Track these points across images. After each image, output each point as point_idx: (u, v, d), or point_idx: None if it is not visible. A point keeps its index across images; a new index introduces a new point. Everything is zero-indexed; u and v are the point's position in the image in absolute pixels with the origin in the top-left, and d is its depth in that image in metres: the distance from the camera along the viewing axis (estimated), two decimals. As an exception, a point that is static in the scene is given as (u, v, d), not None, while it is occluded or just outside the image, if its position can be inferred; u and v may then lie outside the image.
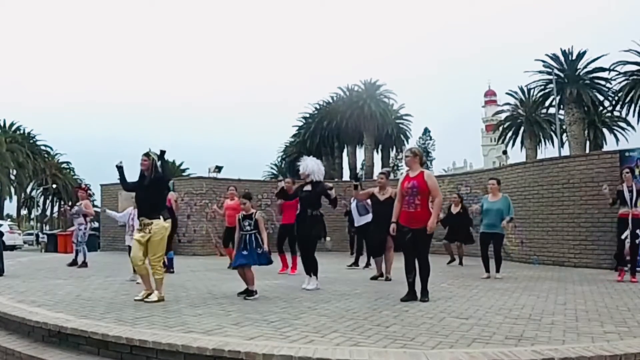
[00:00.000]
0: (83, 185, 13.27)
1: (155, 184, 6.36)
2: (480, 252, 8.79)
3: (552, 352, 3.64)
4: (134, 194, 6.83)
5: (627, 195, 7.99)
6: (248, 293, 6.44)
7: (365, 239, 10.38)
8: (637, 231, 8.06)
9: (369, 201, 9.08)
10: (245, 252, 6.44)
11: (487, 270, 8.67)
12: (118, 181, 6.72)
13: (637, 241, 8.04)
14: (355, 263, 10.68)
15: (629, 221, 7.94)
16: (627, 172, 8.14)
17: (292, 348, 3.78)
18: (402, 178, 6.33)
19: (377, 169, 41.11)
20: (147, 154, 6.39)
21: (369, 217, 10.04)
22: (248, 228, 6.49)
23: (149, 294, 6.23)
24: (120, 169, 6.55)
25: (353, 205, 10.51)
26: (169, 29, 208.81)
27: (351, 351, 3.72)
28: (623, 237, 8.08)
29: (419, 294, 6.15)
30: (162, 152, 6.45)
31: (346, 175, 43.44)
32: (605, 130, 38.30)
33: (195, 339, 4.06)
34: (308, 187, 7.37)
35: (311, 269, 7.24)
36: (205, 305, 5.85)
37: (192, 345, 3.90)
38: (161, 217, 6.25)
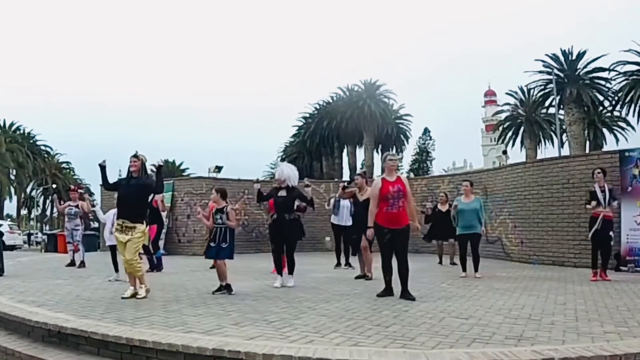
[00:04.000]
0: (73, 187, 13.24)
1: (143, 188, 6.38)
2: (459, 252, 9.02)
3: (552, 352, 3.64)
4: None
5: (600, 195, 8.18)
6: (227, 289, 6.63)
7: (346, 239, 10.51)
8: (610, 233, 8.30)
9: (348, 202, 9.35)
10: (212, 244, 6.72)
11: (465, 270, 8.84)
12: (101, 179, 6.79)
13: (611, 243, 8.41)
14: (338, 263, 10.77)
15: (598, 220, 8.12)
16: (599, 173, 8.37)
17: (292, 348, 3.79)
18: (381, 184, 6.39)
19: (377, 169, 41.13)
20: (136, 156, 6.42)
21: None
22: (220, 221, 6.71)
23: (136, 294, 6.36)
24: (102, 168, 6.65)
25: (345, 202, 10.50)
26: (169, 31, 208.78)
27: (351, 351, 3.72)
28: (589, 237, 8.32)
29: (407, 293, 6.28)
30: (159, 167, 6.52)
31: (346, 175, 43.43)
32: (605, 130, 38.28)
33: (195, 339, 4.07)
34: (283, 193, 7.55)
35: (290, 268, 7.52)
36: (205, 305, 5.85)
37: (192, 345, 3.90)
38: (144, 222, 6.35)
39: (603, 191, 8.19)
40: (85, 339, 4.48)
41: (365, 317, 5.03)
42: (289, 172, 7.67)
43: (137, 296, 6.15)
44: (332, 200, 11.14)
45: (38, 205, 60.01)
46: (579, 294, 6.66)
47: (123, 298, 6.26)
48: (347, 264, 10.46)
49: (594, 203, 8.25)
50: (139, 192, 6.35)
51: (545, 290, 7.01)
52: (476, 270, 8.75)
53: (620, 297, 6.45)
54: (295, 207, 7.68)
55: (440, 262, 11.35)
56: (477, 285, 7.63)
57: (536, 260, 11.38)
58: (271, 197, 7.80)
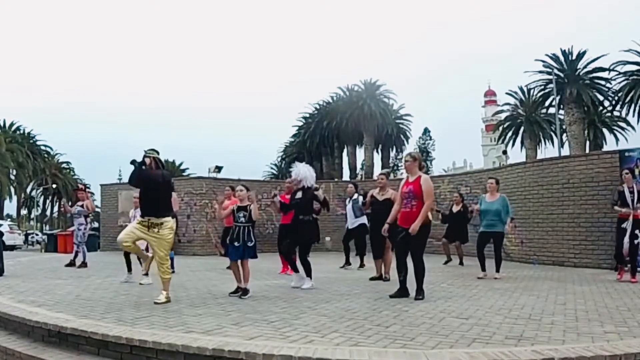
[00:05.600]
0: (80, 186, 13.26)
1: (164, 179, 6.15)
2: (477, 251, 8.83)
3: (552, 352, 3.64)
4: (134, 193, 6.71)
5: (628, 196, 8.02)
6: (243, 292, 6.43)
7: (359, 240, 10.48)
8: (637, 232, 8.08)
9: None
10: (237, 244, 6.43)
11: (484, 269, 8.69)
12: (124, 179, 6.66)
13: (636, 242, 8.07)
14: (347, 262, 10.75)
15: (630, 222, 7.96)
16: (627, 173, 8.20)
17: (292, 348, 3.79)
18: (403, 182, 6.56)
19: (377, 169, 41.15)
20: (145, 160, 6.14)
21: (363, 219, 10.12)
22: (242, 220, 6.45)
23: (147, 272, 6.48)
24: (136, 163, 6.16)
25: (349, 206, 10.60)
26: (169, 31, 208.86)
27: (351, 351, 3.72)
28: (625, 240, 8.07)
29: (412, 292, 6.27)
30: (133, 161, 6.09)
31: (346, 175, 43.45)
32: (605, 130, 38.29)
33: (195, 339, 4.06)
34: (299, 194, 7.52)
35: (305, 271, 7.33)
36: (205, 305, 5.85)
37: (192, 345, 3.90)
38: (170, 216, 6.16)
39: (632, 192, 8.01)
40: (85, 339, 4.48)
41: (365, 317, 5.03)
42: (306, 173, 7.59)
43: (156, 300, 5.94)
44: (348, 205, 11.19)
45: (38, 205, 59.97)
46: (579, 294, 6.66)
47: (141, 284, 6.60)
48: (362, 265, 10.43)
49: (623, 209, 8.07)
50: (164, 185, 6.13)
51: (545, 290, 7.01)
52: (497, 270, 8.62)
53: (620, 297, 6.45)
54: (312, 208, 7.59)
55: (461, 263, 11.22)
56: (477, 285, 7.63)
57: (536, 260, 11.38)
58: (292, 202, 7.71)
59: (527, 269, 10.36)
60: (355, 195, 10.46)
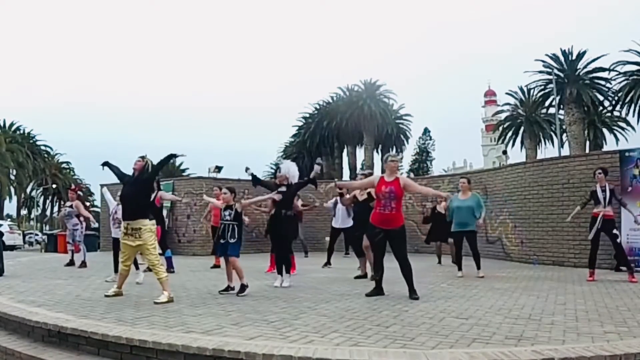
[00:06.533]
0: (73, 186, 13.27)
1: (141, 184, 6.38)
2: (455, 251, 9.02)
3: (552, 352, 3.65)
4: None
5: (600, 195, 8.21)
6: (240, 289, 6.57)
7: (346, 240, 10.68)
8: (614, 231, 8.25)
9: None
10: (222, 241, 6.68)
11: (461, 269, 8.85)
12: (116, 177, 6.77)
13: (618, 240, 8.31)
14: (328, 262, 10.90)
15: (598, 220, 8.13)
16: (600, 173, 8.37)
17: (292, 348, 3.79)
18: (378, 181, 6.50)
19: (377, 169, 41.13)
20: (143, 157, 6.49)
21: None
22: (228, 218, 6.71)
23: (120, 293, 6.49)
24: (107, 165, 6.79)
25: (339, 205, 10.66)
26: (169, 31, 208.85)
27: (351, 351, 3.72)
28: (590, 237, 8.27)
29: (404, 290, 6.32)
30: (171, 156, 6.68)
31: (346, 175, 43.42)
32: (605, 130, 38.29)
33: (195, 339, 4.07)
34: (283, 188, 7.63)
35: (285, 266, 7.55)
36: (205, 305, 5.85)
37: (192, 345, 3.90)
38: (146, 219, 6.33)
39: (604, 191, 8.21)
40: (85, 339, 4.48)
41: (365, 317, 5.03)
42: (295, 171, 7.81)
43: (157, 300, 5.97)
44: (331, 202, 11.27)
45: (38, 205, 59.95)
46: (579, 294, 6.66)
47: (106, 296, 6.42)
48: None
49: (578, 208, 8.59)
50: (138, 189, 6.36)
51: (545, 290, 7.01)
52: (478, 268, 8.70)
53: (620, 297, 6.44)
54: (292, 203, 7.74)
55: (440, 262, 11.35)
56: (477, 285, 7.62)
57: (536, 260, 11.38)
58: (268, 185, 8.04)
59: (527, 269, 10.36)
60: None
